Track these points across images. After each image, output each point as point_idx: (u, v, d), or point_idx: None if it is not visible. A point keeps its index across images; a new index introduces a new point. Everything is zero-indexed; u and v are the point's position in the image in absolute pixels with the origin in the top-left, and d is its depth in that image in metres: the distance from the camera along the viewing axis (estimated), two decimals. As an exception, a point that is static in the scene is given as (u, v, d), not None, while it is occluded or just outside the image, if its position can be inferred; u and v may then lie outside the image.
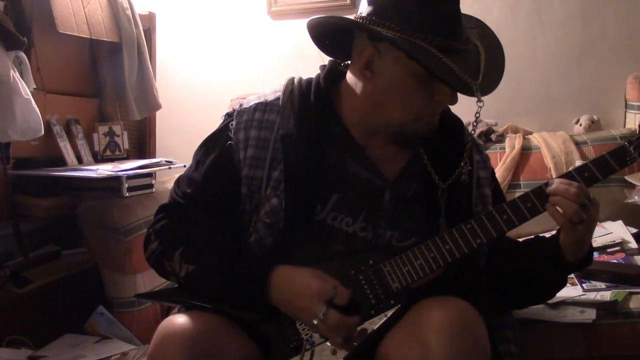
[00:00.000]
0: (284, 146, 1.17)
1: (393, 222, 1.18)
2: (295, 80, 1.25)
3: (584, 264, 1.18)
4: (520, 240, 1.34)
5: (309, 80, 1.25)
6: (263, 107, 1.23)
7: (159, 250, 1.20)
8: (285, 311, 1.11)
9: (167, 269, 1.19)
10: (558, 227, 1.12)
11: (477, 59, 1.12)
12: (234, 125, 1.23)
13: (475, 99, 1.09)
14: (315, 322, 1.06)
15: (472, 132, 1.20)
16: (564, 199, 1.06)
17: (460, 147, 1.21)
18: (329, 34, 1.20)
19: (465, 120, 1.30)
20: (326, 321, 1.05)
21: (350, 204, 1.18)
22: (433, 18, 1.07)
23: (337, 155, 1.20)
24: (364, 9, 1.12)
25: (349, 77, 1.20)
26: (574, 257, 1.14)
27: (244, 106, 1.25)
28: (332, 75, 1.24)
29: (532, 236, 1.32)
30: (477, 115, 1.12)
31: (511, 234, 1.17)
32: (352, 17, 1.14)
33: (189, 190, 1.23)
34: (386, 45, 1.10)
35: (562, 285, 1.25)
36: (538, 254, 1.20)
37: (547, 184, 1.10)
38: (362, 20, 1.11)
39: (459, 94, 1.11)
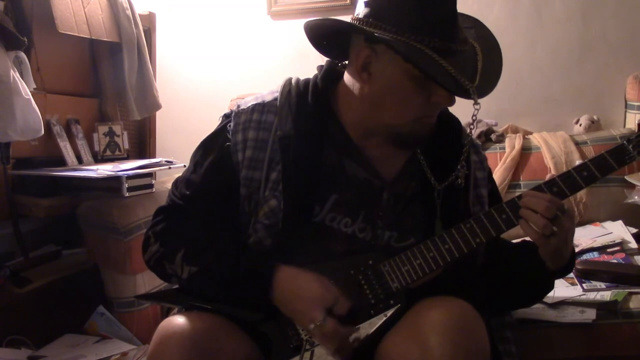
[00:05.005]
0: (282, 147, 1.17)
1: (392, 223, 1.18)
2: (293, 81, 1.25)
3: (566, 271, 1.19)
4: (513, 242, 1.34)
5: (307, 81, 1.24)
6: (261, 108, 1.22)
7: (160, 252, 1.20)
8: (284, 311, 1.11)
9: (169, 272, 1.19)
10: None
11: (474, 61, 1.11)
12: (232, 127, 1.22)
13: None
14: (311, 327, 1.06)
15: (470, 134, 1.20)
16: (534, 213, 1.06)
17: (457, 147, 1.20)
18: (326, 35, 1.20)
19: (464, 121, 1.29)
20: (323, 328, 1.05)
21: (349, 205, 1.17)
22: (429, 19, 1.06)
23: (335, 156, 1.19)
24: (360, 10, 1.11)
25: (347, 78, 1.20)
26: (555, 265, 1.14)
27: (242, 107, 1.24)
28: (329, 76, 1.23)
29: (521, 239, 1.31)
30: (474, 117, 1.12)
31: (510, 233, 1.17)
32: (348, 18, 1.13)
33: (187, 192, 1.23)
34: (383, 47, 1.09)
35: (549, 289, 1.26)
36: (524, 260, 1.19)
37: (520, 197, 1.10)
38: (359, 22, 1.10)
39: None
